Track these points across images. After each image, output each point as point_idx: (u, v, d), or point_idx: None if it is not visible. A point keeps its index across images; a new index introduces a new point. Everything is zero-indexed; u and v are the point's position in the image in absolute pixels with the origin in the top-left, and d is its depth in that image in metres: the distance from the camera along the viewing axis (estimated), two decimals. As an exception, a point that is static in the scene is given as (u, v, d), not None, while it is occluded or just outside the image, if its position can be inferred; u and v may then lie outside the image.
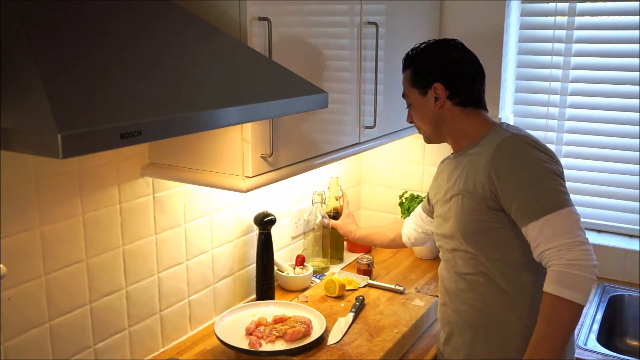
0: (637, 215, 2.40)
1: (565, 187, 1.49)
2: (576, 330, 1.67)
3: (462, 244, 1.60)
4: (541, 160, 1.49)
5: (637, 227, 2.41)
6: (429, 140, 1.74)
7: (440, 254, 1.75)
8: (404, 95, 1.71)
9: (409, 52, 1.70)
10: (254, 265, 2.09)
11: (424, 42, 1.68)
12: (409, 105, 1.71)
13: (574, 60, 2.42)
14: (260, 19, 1.48)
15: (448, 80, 1.61)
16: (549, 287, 1.42)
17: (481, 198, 1.53)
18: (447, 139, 1.69)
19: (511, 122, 2.48)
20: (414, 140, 2.58)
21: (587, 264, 1.39)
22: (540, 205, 1.45)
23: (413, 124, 1.74)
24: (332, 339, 1.80)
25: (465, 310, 1.63)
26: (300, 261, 2.24)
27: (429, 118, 1.66)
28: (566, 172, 1.72)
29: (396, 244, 2.12)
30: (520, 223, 1.48)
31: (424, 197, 2.48)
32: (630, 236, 2.43)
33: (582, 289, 1.40)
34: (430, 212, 1.90)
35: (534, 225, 1.45)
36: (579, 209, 1.51)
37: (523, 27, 2.49)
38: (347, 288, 2.12)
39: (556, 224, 1.43)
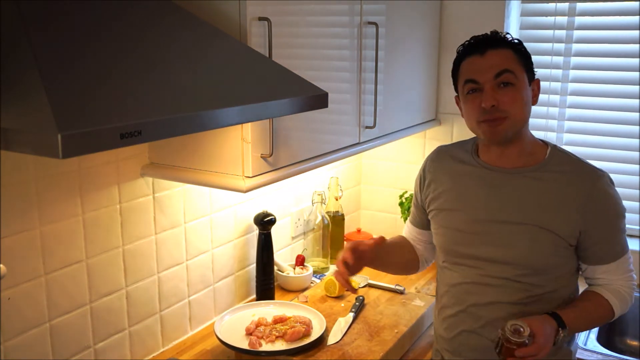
0: (637, 215, 2.40)
1: None
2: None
3: (523, 278, 1.50)
4: (620, 200, 1.54)
5: (637, 227, 2.41)
6: (508, 134, 1.47)
7: (464, 274, 1.56)
8: (503, 72, 1.46)
9: (497, 33, 1.53)
10: (254, 265, 2.09)
11: (494, 31, 1.54)
12: (508, 83, 1.46)
13: (574, 60, 2.42)
14: (260, 19, 1.48)
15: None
16: (613, 301, 1.53)
17: (567, 235, 1.49)
18: (514, 144, 1.52)
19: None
20: (414, 140, 2.58)
21: (630, 302, 1.58)
22: (619, 249, 1.54)
23: (492, 109, 1.44)
24: (332, 339, 1.80)
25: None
26: (300, 261, 2.24)
27: (529, 109, 1.51)
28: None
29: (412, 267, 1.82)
30: (596, 262, 1.54)
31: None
32: (630, 236, 2.43)
33: (624, 310, 1.57)
34: (425, 223, 1.72)
35: (608, 266, 1.54)
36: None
37: (523, 27, 2.49)
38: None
39: (624, 265, 1.55)
